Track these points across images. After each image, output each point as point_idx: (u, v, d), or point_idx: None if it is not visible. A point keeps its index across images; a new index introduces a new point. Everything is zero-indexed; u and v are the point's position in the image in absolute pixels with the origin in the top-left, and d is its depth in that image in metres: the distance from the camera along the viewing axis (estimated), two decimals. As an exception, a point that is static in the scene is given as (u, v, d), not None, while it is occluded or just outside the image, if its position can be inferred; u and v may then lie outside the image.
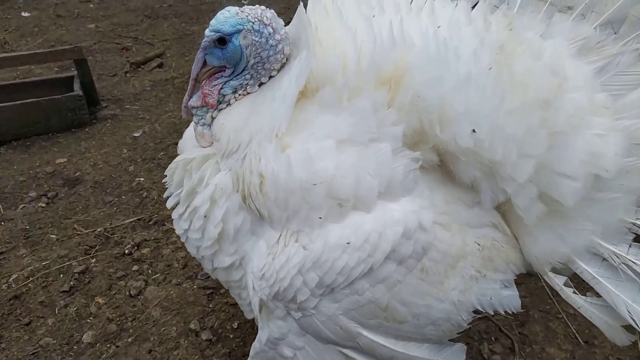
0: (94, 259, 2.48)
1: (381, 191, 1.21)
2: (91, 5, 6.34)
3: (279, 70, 1.34)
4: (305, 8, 1.34)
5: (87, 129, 3.63)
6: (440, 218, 1.29)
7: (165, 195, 1.47)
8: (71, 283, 2.33)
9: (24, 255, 2.51)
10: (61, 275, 2.38)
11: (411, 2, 1.41)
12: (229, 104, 1.35)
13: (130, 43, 5.11)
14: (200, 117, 1.38)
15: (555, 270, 1.44)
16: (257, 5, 1.31)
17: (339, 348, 1.36)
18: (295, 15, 1.35)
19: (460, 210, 1.34)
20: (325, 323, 1.28)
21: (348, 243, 1.20)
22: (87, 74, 3.71)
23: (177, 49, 4.93)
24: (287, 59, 1.34)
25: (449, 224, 1.31)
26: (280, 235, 1.27)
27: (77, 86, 3.58)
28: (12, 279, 2.36)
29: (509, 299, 1.41)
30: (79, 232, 2.64)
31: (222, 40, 1.27)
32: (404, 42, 1.23)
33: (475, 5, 1.42)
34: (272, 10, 1.32)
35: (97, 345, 2.05)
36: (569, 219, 1.33)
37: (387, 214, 1.22)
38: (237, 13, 1.27)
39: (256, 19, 1.27)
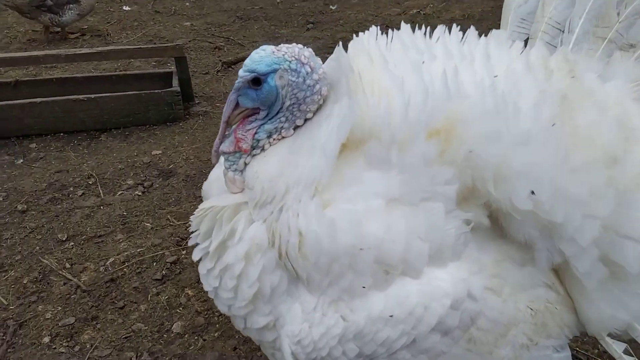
0: (185, 251, 2.56)
1: (431, 255, 1.14)
2: (187, 4, 6.62)
3: (315, 113, 1.26)
4: (345, 50, 1.28)
5: (180, 124, 3.78)
6: (490, 282, 1.20)
7: (190, 244, 1.33)
8: (163, 272, 2.42)
9: (121, 241, 2.63)
10: (154, 264, 2.48)
11: (463, 45, 1.34)
12: (263, 149, 1.26)
13: (222, 43, 5.29)
14: (232, 163, 1.28)
15: (612, 336, 1.33)
16: (293, 44, 1.23)
17: None
18: (333, 55, 1.28)
19: (511, 269, 1.25)
20: None
21: (391, 316, 1.13)
22: (185, 70, 3.87)
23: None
24: (323, 101, 1.26)
25: (500, 287, 1.21)
26: (318, 301, 1.19)
27: (175, 82, 3.74)
28: (109, 262, 2.49)
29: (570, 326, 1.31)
30: (171, 223, 2.74)
31: (256, 81, 1.19)
32: (457, 93, 1.15)
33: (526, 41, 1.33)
34: (310, 49, 1.25)
35: (186, 336, 2.11)
36: (632, 283, 1.22)
37: (434, 284, 1.14)
38: (273, 52, 1.19)
39: (293, 58, 1.19)
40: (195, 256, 1.31)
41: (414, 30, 1.40)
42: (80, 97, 3.51)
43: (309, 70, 1.20)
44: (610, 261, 1.19)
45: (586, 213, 1.14)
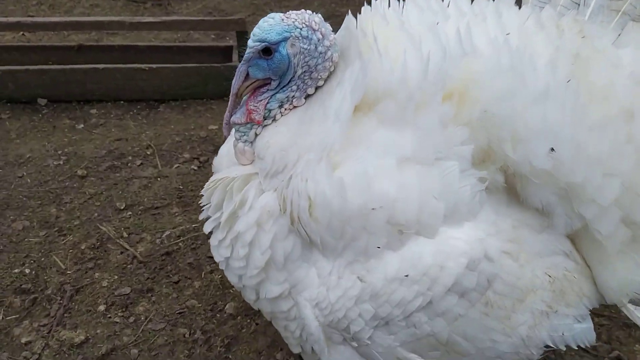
0: (239, 231, 2.53)
1: (446, 215, 1.12)
2: (247, -23, 6.54)
3: (325, 80, 1.25)
4: (355, 16, 1.28)
5: (237, 99, 3.74)
6: (507, 246, 1.17)
7: (201, 218, 1.35)
8: (217, 250, 2.40)
9: (177, 214, 2.63)
10: (208, 240, 2.46)
11: (473, 5, 1.32)
12: (274, 120, 1.26)
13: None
14: (243, 134, 1.27)
15: (634, 302, 1.32)
16: (302, 10, 1.21)
17: None
18: (343, 24, 1.28)
19: (528, 236, 1.22)
20: (383, 354, 1.21)
21: (407, 276, 1.12)
22: (245, 45, 3.79)
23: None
24: (334, 67, 1.25)
25: (516, 252, 1.19)
26: (333, 265, 1.18)
27: (235, 57, 3.69)
28: (165, 235, 2.48)
29: (584, 333, 1.30)
30: (227, 201, 2.71)
31: (267, 51, 1.17)
32: (472, 51, 1.13)
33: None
34: (319, 15, 1.22)
35: (238, 318, 2.08)
36: None
37: (450, 243, 1.13)
38: (283, 19, 1.17)
39: (304, 25, 1.17)
40: (207, 229, 1.33)
41: None
42: (142, 66, 3.51)
43: (320, 36, 1.18)
44: (632, 222, 1.17)
45: (606, 171, 1.12)
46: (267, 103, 1.24)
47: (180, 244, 2.44)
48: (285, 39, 1.16)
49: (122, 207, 2.65)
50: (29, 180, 2.83)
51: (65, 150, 3.10)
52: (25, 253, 2.35)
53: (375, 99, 1.15)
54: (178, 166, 3.00)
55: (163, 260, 2.34)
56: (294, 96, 1.24)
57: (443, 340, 1.19)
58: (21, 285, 2.18)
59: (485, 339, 1.20)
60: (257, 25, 1.19)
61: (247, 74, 1.22)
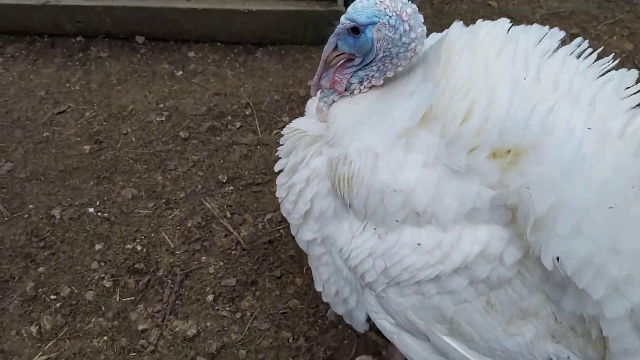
0: (341, 221, 2.47)
1: (464, 212, 1.17)
2: None
3: (407, 71, 1.35)
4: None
5: (339, 48, 3.46)
6: (522, 267, 1.20)
7: (276, 155, 1.61)
8: (319, 244, 2.37)
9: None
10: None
11: (577, 75, 1.29)
12: (352, 94, 1.40)
13: None
14: (325, 96, 1.45)
15: None
16: None
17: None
18: (444, 35, 1.33)
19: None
20: (397, 312, 1.33)
21: (419, 244, 1.21)
22: (351, -16, 3.42)
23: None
24: (416, 58, 1.34)
25: (527, 279, 1.22)
26: (362, 224, 1.33)
27: (341, 0, 3.34)
28: (266, 218, 2.47)
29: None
30: (328, 184, 2.63)
31: (355, 29, 1.27)
32: (542, 127, 1.11)
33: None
34: (414, 6, 1.27)
35: (340, 327, 2.10)
36: None
37: (467, 232, 1.18)
38: (376, 3, 1.24)
39: (394, 13, 1.24)
40: (276, 167, 1.58)
41: (541, 37, 1.38)
42: (241, 8, 3.27)
43: (407, 28, 1.25)
44: None
45: (618, 292, 1.10)
46: (350, 77, 1.37)
47: (281, 231, 2.43)
48: (373, 23, 1.25)
49: (224, 180, 2.64)
50: (133, 139, 2.84)
51: (167, 104, 3.05)
52: (136, 227, 2.43)
53: (432, 117, 1.22)
54: (277, 132, 2.89)
55: (265, 250, 2.36)
56: (373, 76, 1.36)
57: (448, 318, 1.27)
58: (134, 264, 2.29)
59: (488, 331, 1.25)
60: (352, 4, 1.28)
61: (336, 46, 1.36)
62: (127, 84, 3.18)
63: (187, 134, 2.87)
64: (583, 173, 1.09)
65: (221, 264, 2.31)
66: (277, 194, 1.58)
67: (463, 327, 1.26)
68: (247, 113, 3.00)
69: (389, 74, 1.36)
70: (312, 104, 1.61)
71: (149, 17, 3.32)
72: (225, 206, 2.53)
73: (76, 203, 2.52)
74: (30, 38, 3.45)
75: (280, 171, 1.56)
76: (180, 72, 3.27)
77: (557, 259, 1.09)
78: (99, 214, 2.48)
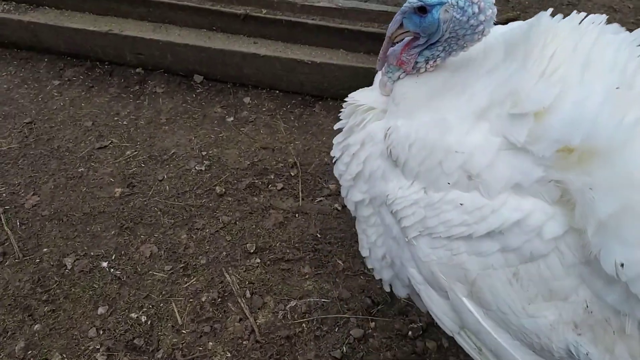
0: (374, 324, 2.10)
1: (512, 183, 1.17)
2: None
3: (480, 52, 1.37)
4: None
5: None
6: (561, 244, 1.15)
7: (339, 119, 1.64)
8: (344, 348, 2.01)
9: (307, 277, 2.26)
10: (336, 329, 2.08)
11: None
12: (418, 71, 1.41)
13: None
14: (390, 72, 1.46)
15: None
16: None
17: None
18: (534, 18, 1.31)
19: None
20: (423, 263, 1.33)
21: (461, 204, 1.22)
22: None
23: (535, 11, 3.92)
24: (482, 40, 1.33)
25: (567, 260, 1.16)
26: (410, 182, 1.34)
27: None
28: (289, 306, 2.15)
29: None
30: (365, 271, 2.27)
31: (422, 9, 1.26)
32: (618, 132, 1.07)
33: None
34: None
35: None
36: None
37: (511, 201, 1.17)
38: None
39: None
40: (336, 126, 1.63)
41: None
42: (305, 59, 3.04)
43: (476, 10, 1.23)
44: None
45: None
46: (417, 56, 1.37)
47: (304, 325, 2.09)
48: (441, 4, 1.24)
49: (251, 250, 2.36)
50: (167, 188, 2.64)
51: (210, 152, 2.84)
52: (147, 292, 2.19)
53: (507, 98, 1.21)
54: (321, 200, 2.60)
55: (281, 347, 2.03)
56: (439, 55, 1.36)
57: (470, 280, 1.25)
58: (134, 338, 2.03)
59: (507, 304, 1.22)
60: None
61: (402, 24, 1.35)
62: (175, 125, 3.02)
63: (224, 190, 2.63)
64: None
65: (228, 355, 2.01)
66: (331, 153, 1.64)
67: (484, 293, 1.25)
68: (292, 174, 2.73)
69: (455, 55, 1.37)
70: (378, 77, 1.62)
71: (210, 57, 3.16)
72: (247, 282, 2.24)
73: (91, 253, 2.33)
74: (90, 63, 3.40)
75: (338, 130, 1.63)
76: (232, 118, 3.06)
77: (622, 265, 1.05)
78: (112, 270, 2.27)
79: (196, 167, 2.75)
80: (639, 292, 1.05)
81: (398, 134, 1.35)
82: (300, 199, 2.60)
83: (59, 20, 3.57)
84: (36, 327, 2.06)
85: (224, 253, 2.35)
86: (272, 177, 2.72)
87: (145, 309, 2.14)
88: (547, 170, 1.13)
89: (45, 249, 2.34)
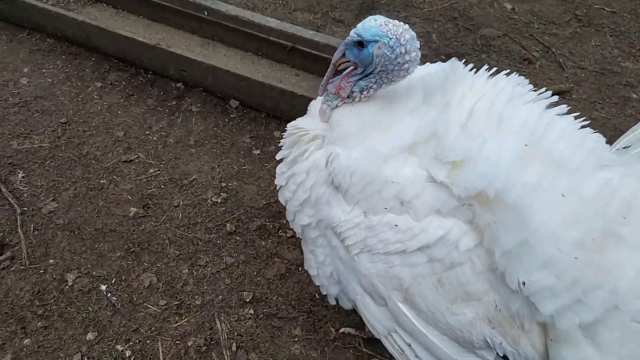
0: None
1: (435, 209, 1.42)
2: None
3: (404, 90, 1.59)
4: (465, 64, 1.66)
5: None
6: (473, 255, 1.41)
7: (280, 145, 1.78)
8: None
9: (296, 339, 2.23)
10: None
11: (578, 149, 1.48)
12: (353, 101, 1.60)
13: (537, 52, 4.09)
14: (329, 100, 1.64)
15: None
16: (401, 23, 1.46)
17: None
18: (447, 64, 1.65)
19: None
20: (364, 275, 1.57)
21: (396, 225, 1.46)
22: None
23: (590, 86, 3.74)
24: (407, 77, 1.54)
25: (477, 267, 1.42)
26: (352, 207, 1.55)
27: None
28: (272, 367, 2.13)
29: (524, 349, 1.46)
30: (355, 352, 2.22)
31: (360, 43, 1.47)
32: (524, 192, 1.33)
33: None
34: (414, 33, 1.46)
35: None
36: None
37: (435, 222, 1.42)
38: (381, 25, 1.44)
39: (394, 36, 1.43)
40: (278, 156, 1.78)
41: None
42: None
43: (403, 51, 1.46)
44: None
45: (571, 310, 1.34)
46: (353, 85, 1.57)
47: (283, 392, 2.07)
48: (375, 41, 1.45)
49: (247, 299, 2.35)
50: (180, 215, 2.66)
51: (229, 184, 2.85)
52: (137, 325, 2.22)
53: (429, 136, 1.46)
54: (328, 258, 2.55)
55: (254, 411, 2.01)
56: (371, 87, 1.56)
57: (404, 287, 1.50)
58: (115, 373, 2.06)
59: (434, 305, 1.47)
60: (365, 20, 1.47)
61: (344, 54, 1.54)
62: (202, 149, 3.04)
63: (234, 228, 2.63)
64: (547, 223, 1.32)
65: (201, 409, 2.01)
66: (275, 182, 1.79)
67: (415, 298, 1.49)
68: (305, 224, 2.70)
69: (384, 87, 1.57)
70: (314, 105, 1.82)
71: (249, 86, 3.16)
72: (235, 333, 2.23)
73: (93, 273, 2.37)
74: (135, 70, 3.47)
75: (280, 160, 1.78)
76: (258, 151, 3.06)
77: (523, 283, 1.33)
78: (109, 295, 2.30)
79: (212, 198, 2.76)
80: (536, 302, 1.34)
81: (339, 163, 1.53)
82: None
83: (112, 22, 3.65)
84: (26, 341, 2.11)
85: (220, 297, 2.35)
86: (284, 222, 2.70)
87: (131, 343, 2.16)
88: (461, 201, 1.40)
89: (51, 260, 2.40)
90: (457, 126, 1.43)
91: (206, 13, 3.19)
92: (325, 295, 1.85)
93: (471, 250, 1.40)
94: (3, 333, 2.13)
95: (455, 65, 1.62)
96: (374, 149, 1.49)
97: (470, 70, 1.66)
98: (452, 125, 1.44)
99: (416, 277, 1.47)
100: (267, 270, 2.47)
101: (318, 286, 1.85)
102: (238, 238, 2.60)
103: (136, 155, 2.94)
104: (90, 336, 2.15)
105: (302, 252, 2.51)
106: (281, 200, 1.79)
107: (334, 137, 1.58)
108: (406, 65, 1.48)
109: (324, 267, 1.75)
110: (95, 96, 3.27)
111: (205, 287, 2.38)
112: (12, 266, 2.36)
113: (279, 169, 1.77)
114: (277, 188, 1.79)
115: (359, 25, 1.48)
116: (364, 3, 4.11)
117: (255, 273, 2.46)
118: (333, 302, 1.86)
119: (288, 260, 2.52)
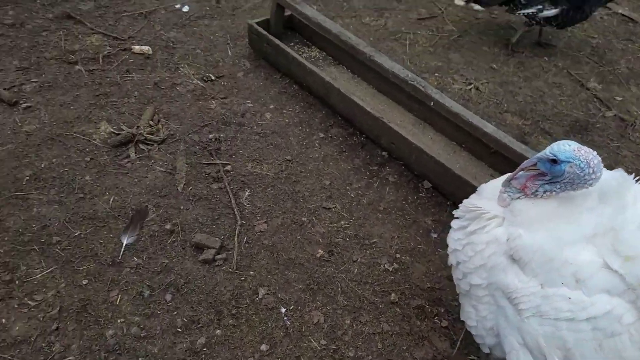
0: None
1: (606, 289, 1.75)
2: None
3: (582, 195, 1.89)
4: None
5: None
6: (633, 330, 1.73)
7: (454, 213, 2.20)
8: None
9: None
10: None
11: None
12: (535, 196, 1.93)
13: None
14: (511, 192, 1.99)
15: None
16: (591, 150, 1.80)
17: None
18: (617, 172, 1.97)
19: None
20: (530, 334, 1.85)
21: (569, 297, 1.76)
22: None
23: None
24: (590, 189, 1.86)
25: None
26: (529, 278, 1.85)
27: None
28: None
29: None
30: None
31: (554, 161, 1.81)
32: None
33: None
34: (600, 158, 1.80)
35: None
36: None
37: (604, 298, 1.74)
38: (575, 150, 1.78)
39: (585, 160, 1.77)
40: (454, 224, 2.17)
41: None
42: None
43: (590, 171, 1.77)
44: None
45: None
46: (539, 187, 1.91)
47: None
48: (568, 162, 1.78)
49: (265, 349, 2.63)
50: (355, 270, 3.06)
51: (403, 257, 3.18)
52: (299, 353, 2.63)
53: (603, 235, 1.81)
54: (473, 360, 2.73)
55: None
56: (555, 190, 1.89)
57: (567, 347, 1.78)
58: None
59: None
60: (559, 143, 1.83)
61: (536, 164, 1.89)
62: (388, 217, 3.41)
63: (397, 299, 2.93)
64: None
65: None
66: (451, 246, 2.15)
67: (576, 357, 1.78)
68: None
69: (566, 193, 1.89)
70: (485, 188, 2.22)
71: (446, 175, 3.45)
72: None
73: (279, 295, 2.87)
74: (353, 130, 4.01)
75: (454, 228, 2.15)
76: (436, 235, 3.33)
77: None
78: (285, 318, 2.76)
79: (385, 265, 3.11)
80: None
81: (522, 241, 1.85)
82: (457, 347, 2.77)
83: (348, 85, 4.27)
84: (218, 332, 2.66)
85: (370, 358, 2.67)
86: (442, 310, 2.93)
87: (291, 366, 2.59)
88: (630, 287, 1.70)
89: (251, 272, 2.96)
90: (634, 225, 1.76)
91: (432, 104, 3.59)
92: (471, 330, 2.21)
93: (631, 324, 1.71)
94: (205, 317, 2.72)
95: (624, 174, 1.93)
96: (556, 234, 1.82)
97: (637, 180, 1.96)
98: (629, 223, 1.76)
99: (580, 340, 1.76)
100: (416, 351, 2.73)
101: (474, 335, 2.21)
102: (398, 310, 2.90)
103: (334, 205, 3.44)
104: (264, 347, 2.63)
105: (451, 345, 2.74)
106: (452, 261, 2.16)
107: (516, 221, 1.93)
108: (591, 181, 1.81)
109: (485, 322, 2.07)
110: (317, 144, 3.87)
111: (360, 343, 2.72)
112: (224, 266, 2.97)
113: (455, 235, 2.13)
114: (449, 250, 2.15)
115: (555, 146, 1.82)
116: (577, 122, 4.16)
117: (404, 348, 2.73)
118: (487, 351, 2.19)
119: (436, 349, 2.74)
